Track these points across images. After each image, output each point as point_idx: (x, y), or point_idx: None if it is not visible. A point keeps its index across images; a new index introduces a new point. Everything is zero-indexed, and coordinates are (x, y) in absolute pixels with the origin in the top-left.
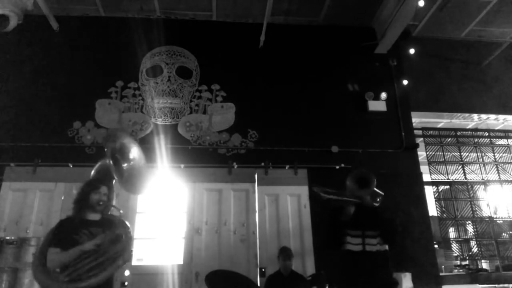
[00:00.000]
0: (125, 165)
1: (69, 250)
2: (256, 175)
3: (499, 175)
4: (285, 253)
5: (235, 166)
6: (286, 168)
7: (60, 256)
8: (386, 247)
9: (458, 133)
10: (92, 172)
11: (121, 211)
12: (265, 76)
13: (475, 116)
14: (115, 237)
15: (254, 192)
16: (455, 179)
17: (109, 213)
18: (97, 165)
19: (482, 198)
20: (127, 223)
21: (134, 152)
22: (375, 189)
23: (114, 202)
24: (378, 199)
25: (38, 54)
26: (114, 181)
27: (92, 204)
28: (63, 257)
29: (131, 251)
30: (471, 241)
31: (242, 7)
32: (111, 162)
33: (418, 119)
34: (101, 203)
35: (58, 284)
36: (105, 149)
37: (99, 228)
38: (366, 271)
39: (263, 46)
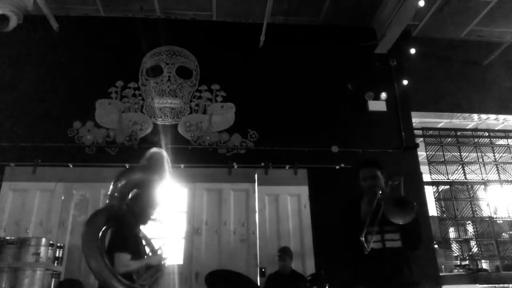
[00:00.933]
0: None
1: (138, 260)
2: (256, 175)
3: (499, 175)
4: (283, 253)
5: (235, 166)
6: (286, 168)
7: (130, 264)
8: None
9: (458, 133)
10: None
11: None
12: (265, 76)
13: (475, 116)
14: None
15: (254, 192)
16: (455, 179)
17: None
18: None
19: (482, 198)
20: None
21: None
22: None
23: None
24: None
25: (38, 54)
26: None
27: (147, 221)
28: (133, 265)
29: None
30: (471, 241)
31: (242, 7)
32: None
33: (418, 119)
34: (154, 219)
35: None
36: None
37: (144, 242)
38: (387, 269)
39: (263, 46)
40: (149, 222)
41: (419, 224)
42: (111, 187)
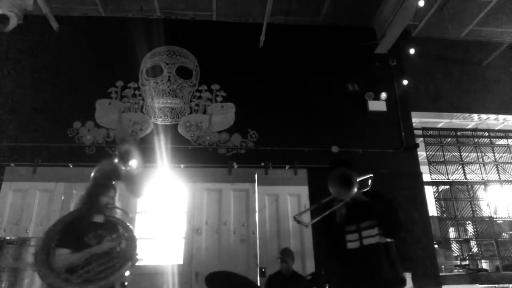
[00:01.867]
0: (125, 168)
1: (79, 252)
2: (256, 175)
3: (499, 175)
4: (284, 255)
5: (235, 166)
6: (286, 168)
7: (70, 257)
8: (388, 239)
9: (458, 133)
10: (95, 172)
11: (130, 215)
12: (265, 76)
13: (475, 116)
14: (125, 240)
15: (254, 192)
16: (455, 179)
17: (112, 215)
18: (100, 165)
19: (482, 198)
20: (128, 224)
21: (134, 162)
22: (360, 179)
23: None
24: (368, 184)
25: (38, 54)
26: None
27: (101, 206)
28: (73, 258)
29: (137, 253)
30: (471, 241)
31: (242, 7)
32: (119, 160)
33: (418, 119)
34: (109, 206)
35: (68, 285)
36: (115, 149)
37: (105, 231)
38: (365, 268)
39: (263, 46)
40: (106, 210)
41: (395, 209)
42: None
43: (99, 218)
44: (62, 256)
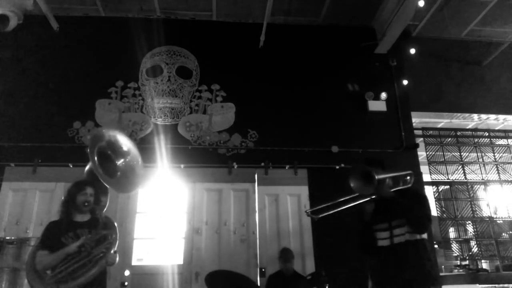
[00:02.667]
0: (120, 161)
1: (55, 252)
2: (256, 175)
3: (499, 175)
4: (284, 255)
5: (235, 166)
6: (286, 168)
7: (47, 259)
8: (418, 236)
9: (458, 133)
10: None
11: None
12: (265, 76)
13: (475, 116)
14: (99, 238)
15: (254, 192)
16: (455, 179)
17: (101, 214)
18: (87, 166)
19: (482, 198)
20: (115, 224)
21: (126, 144)
22: (381, 176)
23: (107, 202)
24: (407, 180)
25: (38, 54)
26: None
27: (78, 205)
28: (50, 260)
29: (115, 252)
30: (471, 241)
31: (242, 7)
32: (96, 162)
33: (418, 119)
34: (86, 204)
35: (43, 286)
36: (88, 150)
37: (85, 229)
38: (394, 267)
39: (263, 46)
40: (84, 209)
41: (423, 204)
42: None
43: (82, 218)
44: (40, 258)
